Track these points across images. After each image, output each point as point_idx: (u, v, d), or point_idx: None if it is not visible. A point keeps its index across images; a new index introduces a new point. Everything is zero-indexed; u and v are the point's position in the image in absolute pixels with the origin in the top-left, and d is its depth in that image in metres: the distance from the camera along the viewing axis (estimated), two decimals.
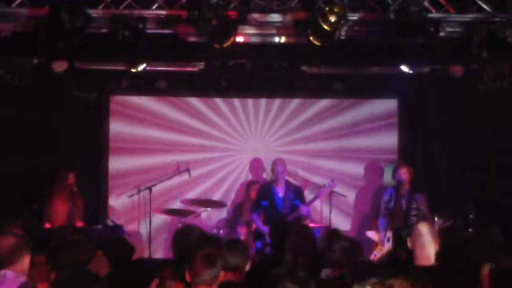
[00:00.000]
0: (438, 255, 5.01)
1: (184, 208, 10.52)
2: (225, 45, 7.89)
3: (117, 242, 6.17)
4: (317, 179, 10.73)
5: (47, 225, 9.33)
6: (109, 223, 10.23)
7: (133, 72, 9.77)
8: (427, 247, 4.98)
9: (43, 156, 9.94)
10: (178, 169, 10.72)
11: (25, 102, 9.67)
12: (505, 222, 8.41)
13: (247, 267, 4.98)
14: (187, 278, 4.46)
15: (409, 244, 5.07)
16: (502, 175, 9.25)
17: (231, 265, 4.85)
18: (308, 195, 10.18)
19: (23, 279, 4.46)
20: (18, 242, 4.57)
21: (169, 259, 7.75)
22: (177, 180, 10.87)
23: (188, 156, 11.01)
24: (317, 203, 10.14)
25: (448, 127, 10.44)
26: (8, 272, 4.45)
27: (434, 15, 7.91)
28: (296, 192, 9.60)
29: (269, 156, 10.71)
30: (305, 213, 9.37)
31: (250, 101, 11.29)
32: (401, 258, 5.64)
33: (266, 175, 10.81)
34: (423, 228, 5.08)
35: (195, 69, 10.52)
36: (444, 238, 5.12)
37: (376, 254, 8.87)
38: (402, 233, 5.73)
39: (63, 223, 9.36)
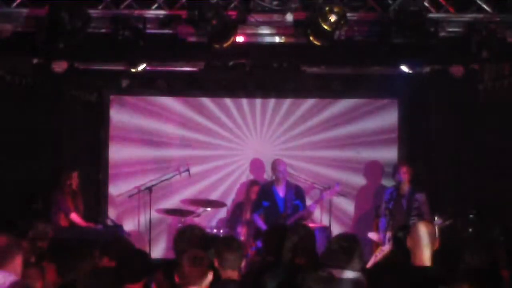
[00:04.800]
0: (437, 255, 5.01)
1: (184, 208, 10.51)
2: (225, 45, 7.88)
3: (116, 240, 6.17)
4: (322, 171, 10.76)
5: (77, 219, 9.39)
6: (109, 223, 10.24)
7: (133, 72, 9.78)
8: (426, 247, 4.97)
9: (43, 156, 9.94)
10: (178, 169, 10.72)
11: (25, 102, 9.67)
12: (505, 222, 8.43)
13: (242, 264, 5.00)
14: (176, 279, 4.49)
15: (408, 243, 5.06)
16: (502, 175, 9.25)
17: (226, 263, 4.86)
18: (312, 196, 10.21)
19: (14, 278, 4.46)
20: (9, 242, 4.58)
21: (169, 259, 7.75)
22: (177, 180, 10.87)
23: (189, 155, 11.02)
24: None
25: (448, 127, 10.44)
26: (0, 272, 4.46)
27: (434, 15, 7.90)
28: (297, 192, 9.60)
29: (270, 156, 10.69)
30: (307, 214, 9.42)
31: (249, 101, 11.28)
32: (400, 258, 5.63)
33: (267, 175, 10.80)
34: (422, 228, 5.06)
35: (195, 69, 10.52)
36: (443, 238, 5.11)
37: (377, 255, 8.87)
38: (400, 232, 5.73)
39: (67, 223, 9.39)
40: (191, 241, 5.30)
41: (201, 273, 4.45)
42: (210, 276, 4.51)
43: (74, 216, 9.38)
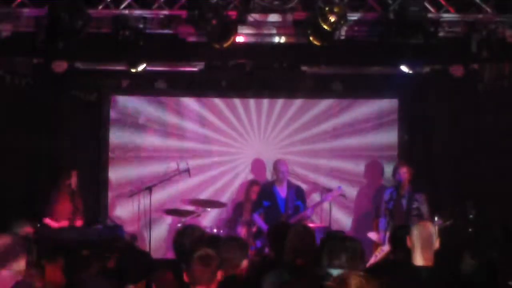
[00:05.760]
0: (437, 255, 5.00)
1: (184, 208, 10.51)
2: (225, 45, 7.90)
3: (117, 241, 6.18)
4: (321, 179, 10.77)
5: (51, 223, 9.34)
6: (109, 223, 10.23)
7: (133, 72, 9.77)
8: (426, 248, 4.96)
9: (43, 156, 9.94)
10: (178, 169, 10.71)
11: (25, 102, 9.67)
12: (505, 222, 8.42)
13: (244, 264, 4.99)
14: (185, 278, 4.49)
15: (408, 243, 5.06)
16: (503, 175, 9.25)
17: (228, 262, 4.85)
18: (314, 198, 10.19)
19: (19, 278, 4.48)
20: (13, 242, 4.59)
21: (169, 259, 7.76)
22: (177, 180, 10.86)
23: (189, 155, 11.01)
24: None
25: (448, 127, 10.44)
26: (4, 272, 4.47)
27: (434, 15, 7.91)
28: (297, 193, 9.60)
29: (271, 157, 10.69)
30: (309, 215, 9.42)
31: (249, 101, 11.26)
32: (399, 258, 5.62)
33: (268, 175, 10.79)
34: (422, 228, 5.06)
35: (195, 69, 10.52)
36: (443, 238, 5.10)
37: (377, 255, 8.86)
38: (400, 232, 5.71)
39: (65, 222, 9.39)
40: (191, 241, 5.29)
41: (211, 272, 4.43)
42: (219, 276, 4.50)
43: (48, 221, 9.29)
